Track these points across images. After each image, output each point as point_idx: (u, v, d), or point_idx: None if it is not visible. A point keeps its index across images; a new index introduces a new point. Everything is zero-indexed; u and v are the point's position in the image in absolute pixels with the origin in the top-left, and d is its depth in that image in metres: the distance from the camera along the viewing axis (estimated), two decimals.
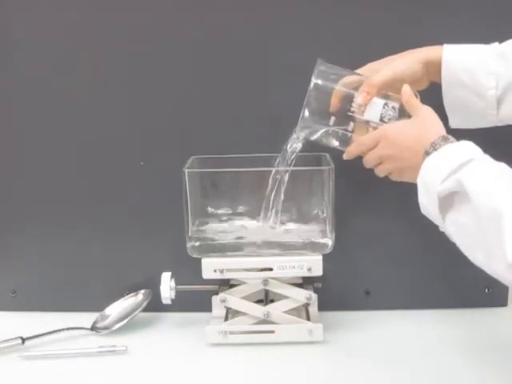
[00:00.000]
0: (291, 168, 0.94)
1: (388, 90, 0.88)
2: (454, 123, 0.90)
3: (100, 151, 1.05)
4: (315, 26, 1.00)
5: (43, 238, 1.09)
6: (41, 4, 1.01)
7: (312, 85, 0.87)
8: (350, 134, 0.89)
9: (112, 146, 1.05)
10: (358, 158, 0.95)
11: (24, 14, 1.01)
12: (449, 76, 0.87)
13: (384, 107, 0.88)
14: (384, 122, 0.87)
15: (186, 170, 0.97)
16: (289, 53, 0.99)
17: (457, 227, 0.76)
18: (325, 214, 1.00)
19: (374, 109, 0.87)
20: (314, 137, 0.91)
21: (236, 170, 1.00)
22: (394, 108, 0.87)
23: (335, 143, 0.90)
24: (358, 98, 0.87)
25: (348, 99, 0.88)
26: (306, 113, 0.88)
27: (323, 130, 0.89)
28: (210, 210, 1.04)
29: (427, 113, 0.83)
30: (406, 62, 0.88)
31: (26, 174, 1.07)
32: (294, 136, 0.91)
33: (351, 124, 0.88)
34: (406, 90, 0.86)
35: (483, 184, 0.72)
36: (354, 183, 1.03)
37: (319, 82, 0.88)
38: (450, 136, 0.79)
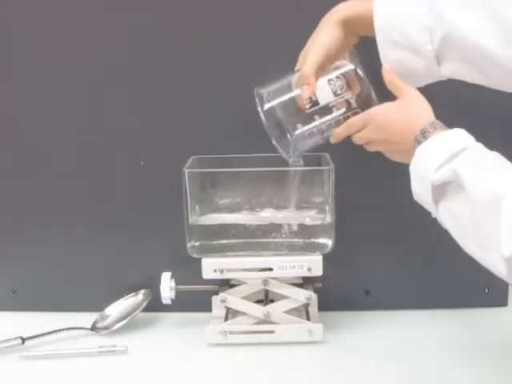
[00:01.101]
0: (291, 168, 0.94)
1: (327, 65, 0.87)
2: None
3: (100, 151, 1.05)
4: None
5: (43, 238, 1.09)
6: (41, 3, 1.01)
7: (264, 115, 0.86)
8: (323, 126, 0.88)
9: (112, 145, 1.05)
10: (358, 161, 0.95)
11: (24, 13, 1.01)
12: (382, 38, 0.84)
13: (330, 83, 0.87)
14: (338, 95, 0.86)
15: (186, 170, 0.97)
16: (289, 53, 0.99)
17: (450, 216, 0.75)
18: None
19: (323, 91, 0.86)
20: (300, 149, 0.90)
21: (236, 170, 1.01)
22: (338, 78, 0.87)
23: (318, 142, 0.90)
24: (304, 94, 0.86)
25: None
26: (274, 141, 0.87)
27: (301, 140, 0.89)
28: (209, 209, 1.04)
29: (413, 95, 0.82)
30: (326, 33, 0.85)
31: (26, 174, 1.07)
32: (288, 158, 0.91)
33: (317, 118, 0.88)
34: (387, 69, 0.84)
35: (479, 175, 0.71)
36: (354, 183, 1.03)
37: (269, 107, 0.87)
38: (438, 121, 0.79)
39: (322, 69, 0.86)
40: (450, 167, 0.73)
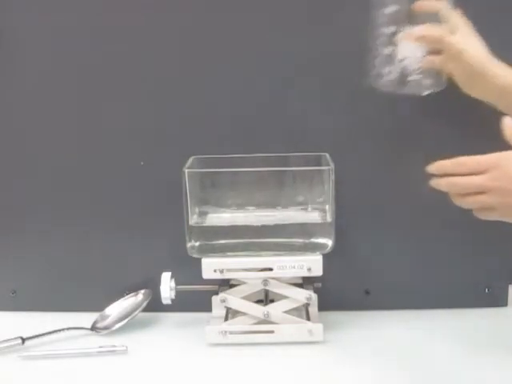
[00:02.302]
0: (291, 168, 0.94)
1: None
2: None
3: (100, 151, 1.05)
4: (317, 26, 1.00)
5: (43, 238, 1.09)
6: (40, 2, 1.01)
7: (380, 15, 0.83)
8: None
9: (112, 145, 1.05)
10: (358, 161, 0.95)
11: (24, 12, 1.01)
12: None
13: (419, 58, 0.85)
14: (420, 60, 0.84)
15: (186, 170, 0.97)
16: (290, 53, 0.99)
17: None
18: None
19: (407, 49, 0.85)
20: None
21: (236, 170, 1.01)
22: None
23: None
24: (420, 31, 0.83)
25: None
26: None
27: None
28: (209, 209, 1.04)
29: None
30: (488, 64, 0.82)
31: (26, 174, 1.07)
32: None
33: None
34: (509, 124, 0.75)
35: None
36: (354, 183, 1.03)
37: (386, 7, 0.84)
38: None
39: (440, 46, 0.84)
40: None
